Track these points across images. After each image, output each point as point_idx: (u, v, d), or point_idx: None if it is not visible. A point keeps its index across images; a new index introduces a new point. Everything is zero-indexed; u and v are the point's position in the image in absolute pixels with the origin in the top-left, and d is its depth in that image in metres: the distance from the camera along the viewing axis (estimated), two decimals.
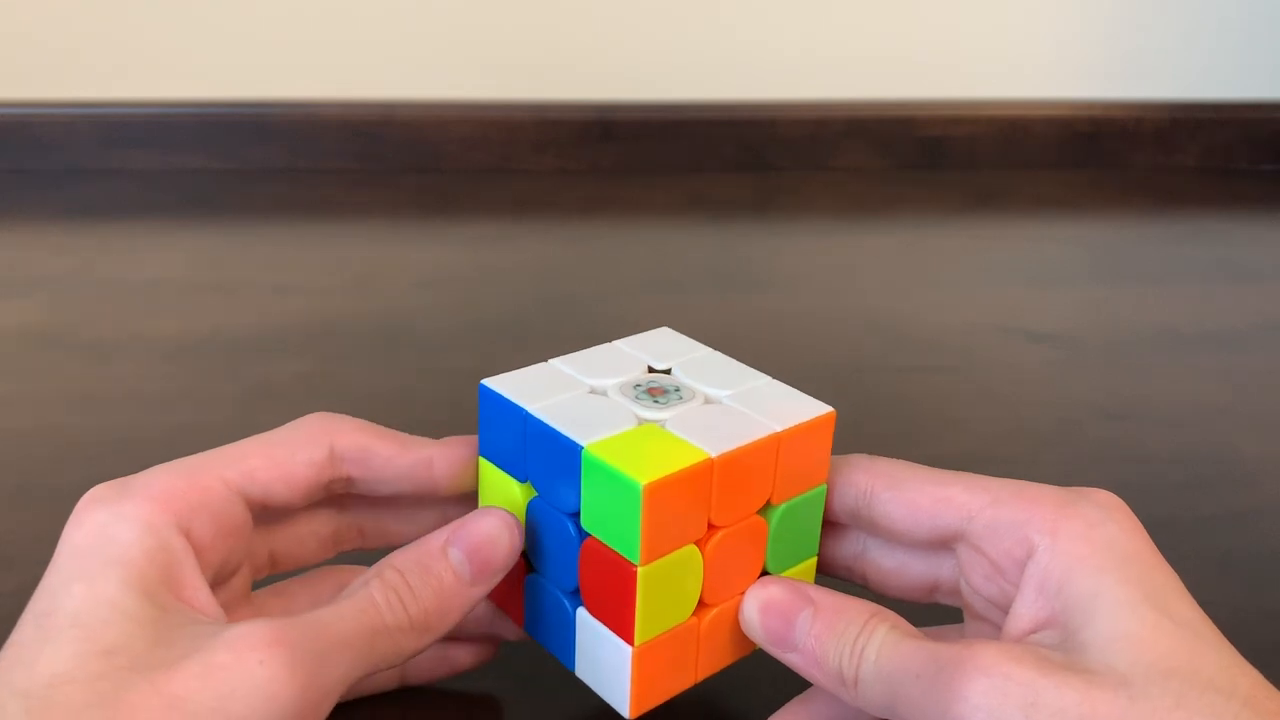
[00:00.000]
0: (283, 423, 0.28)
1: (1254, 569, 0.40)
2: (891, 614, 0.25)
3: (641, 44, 0.86)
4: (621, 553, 0.25)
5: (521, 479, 0.27)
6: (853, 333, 0.60)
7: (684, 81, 0.87)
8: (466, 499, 0.29)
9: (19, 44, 0.83)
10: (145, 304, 0.62)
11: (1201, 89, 0.91)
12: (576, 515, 0.26)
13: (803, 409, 0.27)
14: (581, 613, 0.27)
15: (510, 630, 0.31)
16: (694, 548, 0.25)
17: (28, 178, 0.82)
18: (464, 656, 0.31)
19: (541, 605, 0.28)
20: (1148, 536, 0.25)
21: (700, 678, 0.28)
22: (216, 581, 0.26)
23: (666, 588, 0.25)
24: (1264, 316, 0.63)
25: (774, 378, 0.29)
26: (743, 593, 0.27)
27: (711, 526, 0.26)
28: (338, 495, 0.30)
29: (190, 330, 0.58)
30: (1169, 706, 0.20)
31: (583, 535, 0.26)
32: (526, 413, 0.26)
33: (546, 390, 0.27)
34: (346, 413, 0.29)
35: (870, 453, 0.29)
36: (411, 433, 0.29)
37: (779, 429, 0.26)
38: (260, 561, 0.29)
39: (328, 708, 0.23)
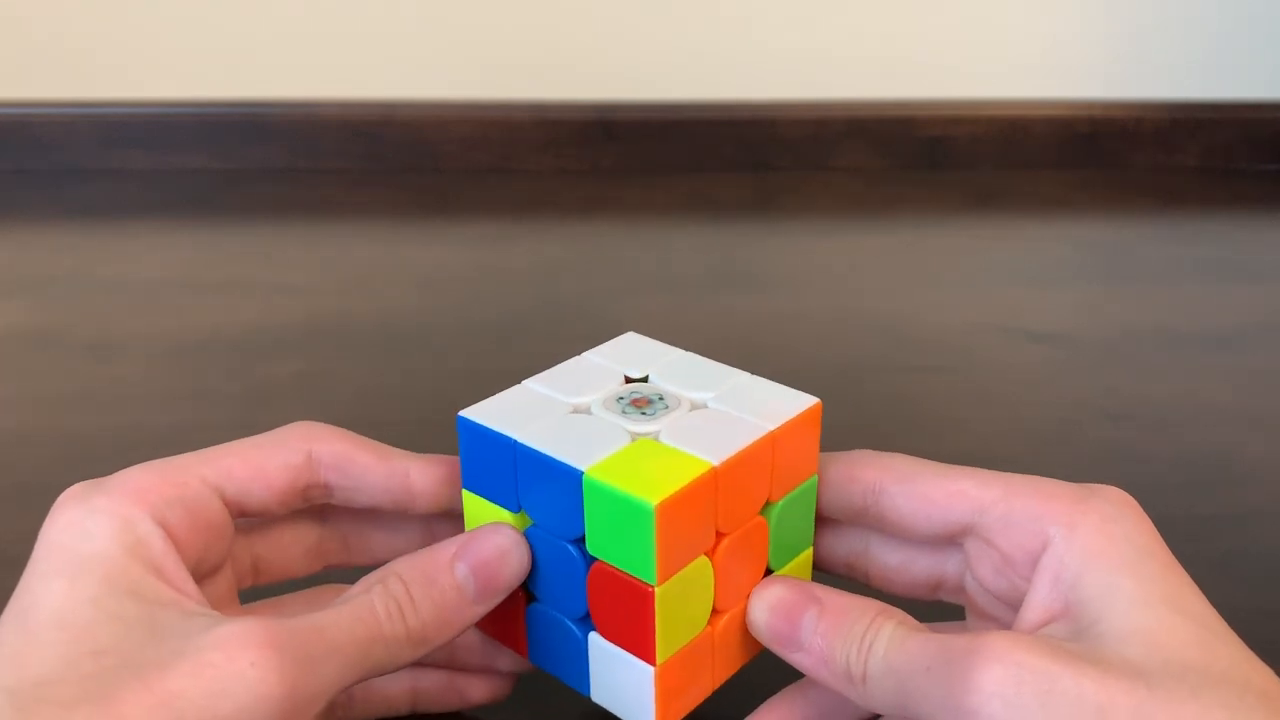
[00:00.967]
0: (282, 423, 0.28)
1: (1254, 569, 0.40)
2: (898, 611, 0.25)
3: (641, 44, 0.86)
4: (636, 575, 0.24)
5: (514, 509, 0.27)
6: (853, 333, 0.60)
7: (684, 81, 0.87)
8: (452, 516, 0.29)
9: (19, 44, 0.83)
10: (145, 304, 0.62)
11: (1201, 89, 0.91)
12: (578, 541, 0.25)
13: (790, 403, 0.27)
14: (594, 638, 0.26)
15: (506, 661, 0.30)
16: (705, 559, 0.25)
17: (28, 178, 0.82)
18: (476, 691, 0.31)
19: (548, 634, 0.28)
20: (1159, 535, 0.25)
21: (718, 684, 0.27)
22: (196, 577, 0.26)
23: (683, 603, 0.25)
24: (1264, 316, 0.63)
25: (773, 378, 0.28)
26: (749, 595, 0.27)
27: (718, 534, 0.26)
28: (319, 506, 0.29)
29: (190, 330, 0.58)
30: (1185, 698, 0.20)
31: (588, 560, 0.25)
32: (515, 441, 0.25)
33: (528, 414, 0.26)
34: (346, 413, 0.29)
35: None
36: (411, 433, 0.29)
37: (772, 427, 0.26)
38: (243, 567, 0.28)
39: (316, 710, 0.23)
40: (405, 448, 0.29)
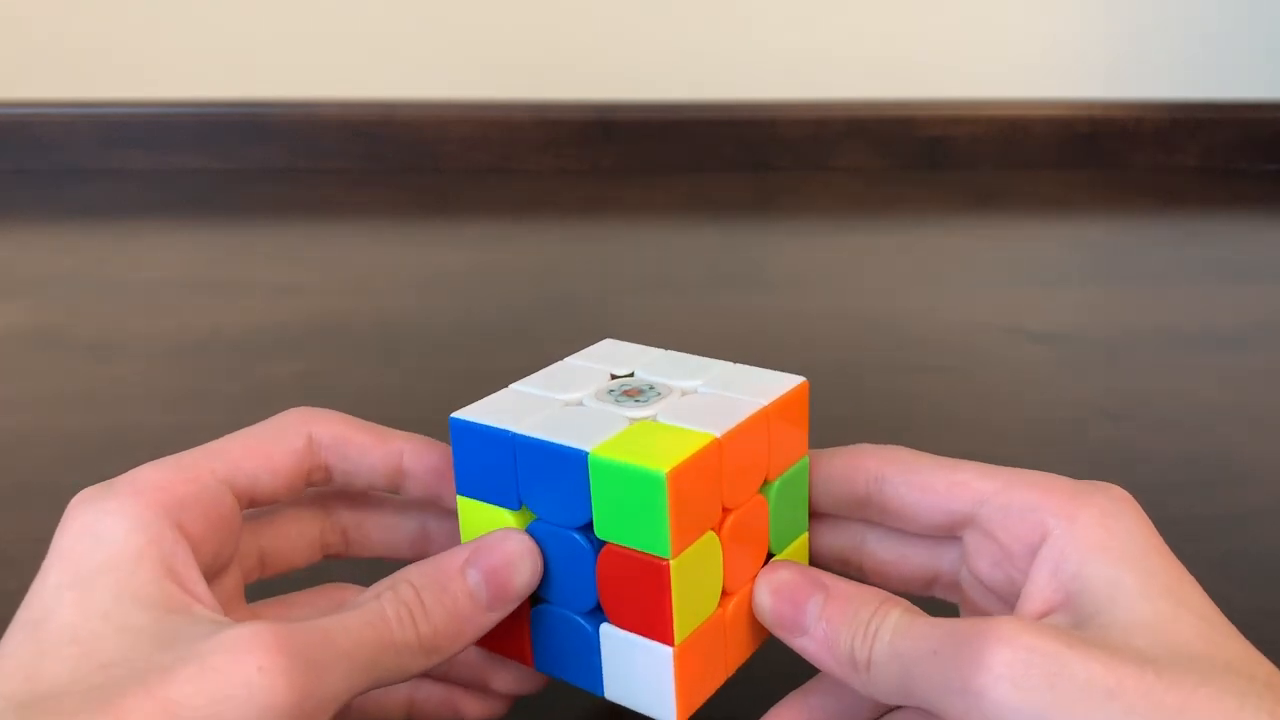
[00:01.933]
0: None
1: (1254, 569, 0.40)
2: (903, 600, 0.25)
3: (641, 44, 0.86)
4: (649, 550, 0.24)
5: (514, 506, 0.26)
6: (853, 333, 0.60)
7: (684, 81, 0.87)
8: (446, 511, 0.29)
9: (19, 44, 0.83)
10: (145, 304, 0.62)
11: (1201, 89, 0.91)
12: (585, 528, 0.25)
13: (778, 383, 0.27)
14: (606, 628, 0.26)
15: (500, 681, 0.30)
16: (713, 534, 0.25)
17: (28, 178, 0.82)
18: (472, 709, 0.30)
19: (555, 635, 0.27)
20: (1158, 533, 0.25)
21: (730, 671, 0.27)
22: (208, 577, 0.26)
23: (696, 579, 0.25)
24: (1264, 316, 0.63)
25: None
26: (754, 578, 0.27)
27: (724, 510, 0.26)
28: (321, 496, 0.29)
29: (190, 330, 0.58)
30: (1194, 684, 0.20)
31: (597, 546, 0.25)
32: (514, 434, 0.25)
33: (522, 411, 0.26)
34: (345, 412, 0.29)
35: None
36: (411, 433, 0.29)
37: (766, 403, 0.26)
38: (250, 562, 0.29)
39: (323, 718, 0.23)
40: None
